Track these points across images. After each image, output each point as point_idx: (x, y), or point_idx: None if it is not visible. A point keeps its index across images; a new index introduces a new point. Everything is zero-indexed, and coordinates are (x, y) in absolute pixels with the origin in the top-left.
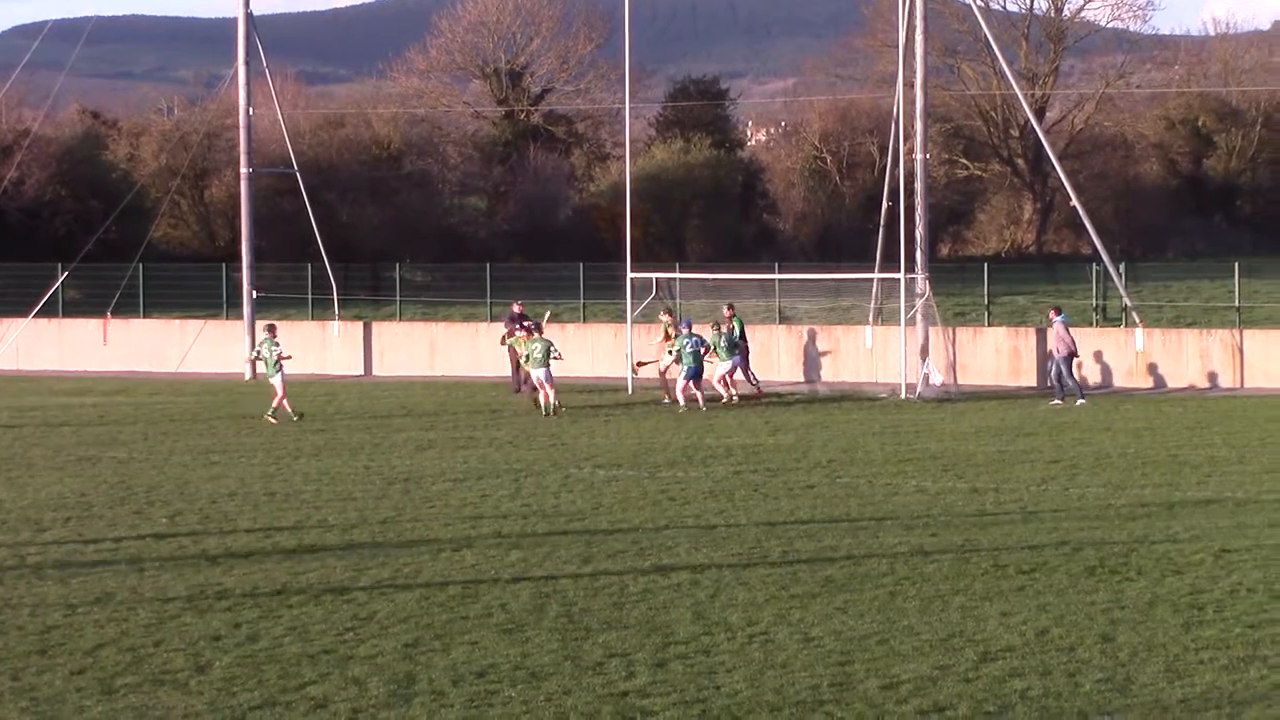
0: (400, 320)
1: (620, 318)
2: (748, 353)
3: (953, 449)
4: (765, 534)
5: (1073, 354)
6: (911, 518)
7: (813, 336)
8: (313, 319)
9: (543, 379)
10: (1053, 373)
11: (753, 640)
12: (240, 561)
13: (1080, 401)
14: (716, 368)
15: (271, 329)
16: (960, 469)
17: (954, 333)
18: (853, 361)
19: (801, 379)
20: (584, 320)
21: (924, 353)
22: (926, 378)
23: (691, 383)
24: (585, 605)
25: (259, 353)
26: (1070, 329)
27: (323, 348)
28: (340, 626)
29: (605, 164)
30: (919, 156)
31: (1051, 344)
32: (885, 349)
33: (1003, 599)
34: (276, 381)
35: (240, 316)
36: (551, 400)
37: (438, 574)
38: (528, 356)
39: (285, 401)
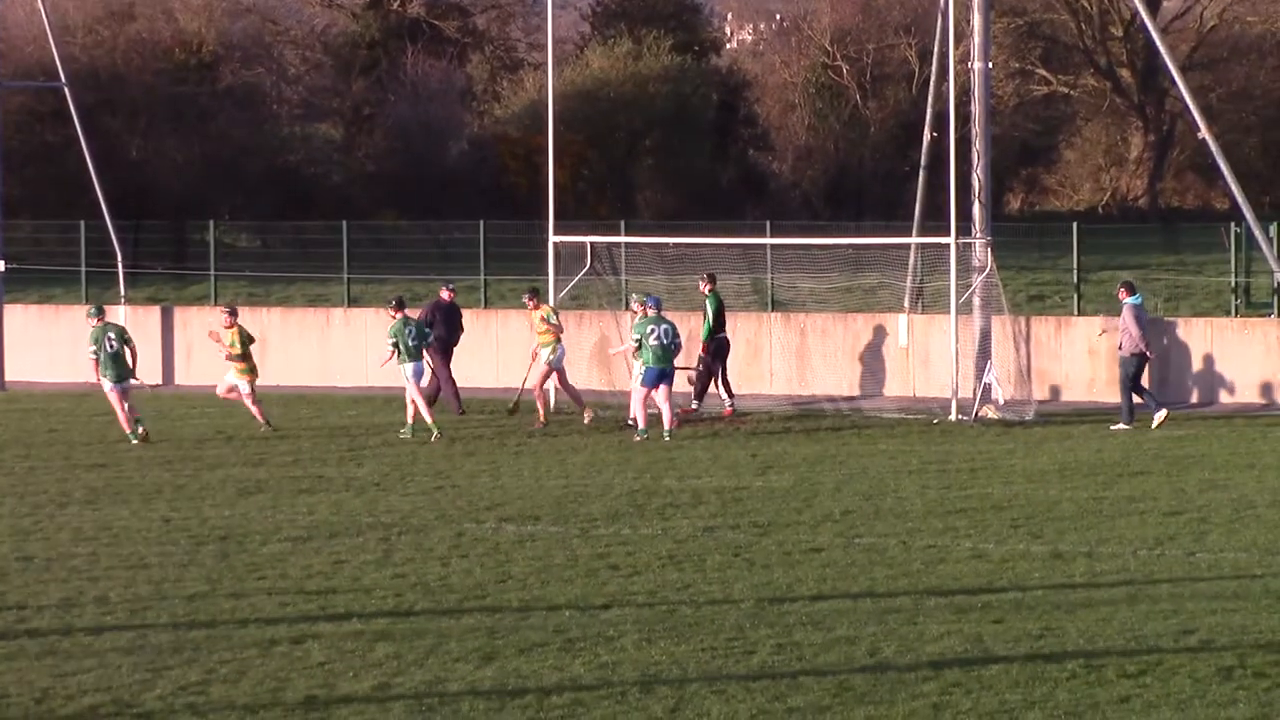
0: (215, 304)
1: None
2: (727, 349)
3: (1025, 495)
4: (751, 619)
5: (1143, 355)
6: (965, 595)
7: (820, 330)
8: (87, 301)
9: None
10: (1123, 380)
11: None
12: None
13: (1123, 426)
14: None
15: (101, 313)
16: (1036, 524)
17: (1028, 324)
18: (880, 366)
19: (802, 393)
20: (485, 304)
21: (984, 354)
22: (987, 390)
23: (653, 391)
24: None
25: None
26: (1145, 318)
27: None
28: None
29: (518, 76)
30: (977, 65)
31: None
32: (927, 348)
33: (1098, 715)
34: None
35: None
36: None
37: (270, 676)
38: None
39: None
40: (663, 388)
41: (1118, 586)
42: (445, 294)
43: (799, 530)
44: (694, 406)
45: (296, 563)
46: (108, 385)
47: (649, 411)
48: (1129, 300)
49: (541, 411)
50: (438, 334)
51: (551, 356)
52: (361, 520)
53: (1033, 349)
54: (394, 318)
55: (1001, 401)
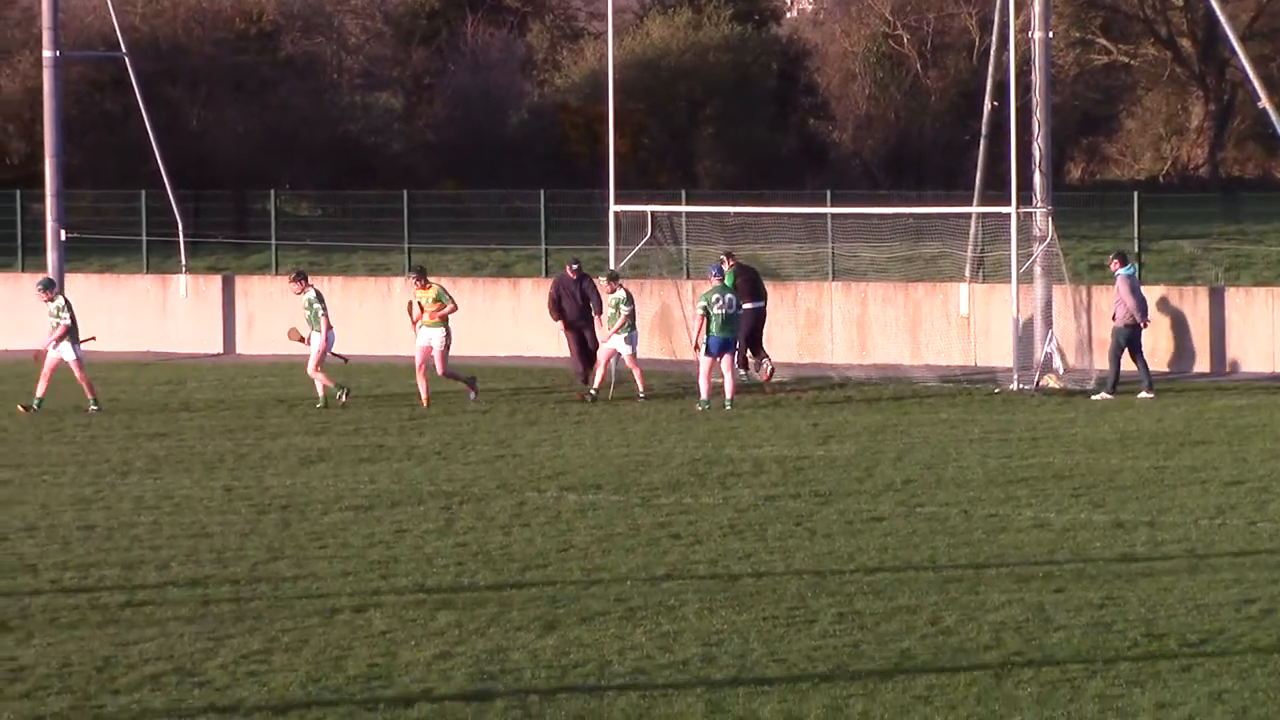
0: (277, 274)
1: (599, 270)
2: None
3: (1087, 464)
4: (812, 588)
5: (1137, 326)
6: (1027, 565)
7: (881, 299)
8: (148, 271)
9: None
10: (1112, 350)
11: None
12: (44, 627)
13: (1106, 395)
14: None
15: (50, 285)
16: (1098, 494)
17: (1089, 294)
18: (941, 335)
19: (862, 360)
20: (546, 273)
21: (1045, 323)
22: (1049, 359)
23: (717, 360)
24: (548, 692)
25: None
26: (1139, 288)
27: (163, 314)
28: None
29: (578, 45)
30: (1037, 35)
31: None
32: (988, 317)
33: (1159, 684)
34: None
35: (44, 267)
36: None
37: (332, 645)
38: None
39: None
40: (726, 356)
41: (1179, 556)
42: (569, 270)
43: (860, 499)
44: (767, 372)
45: (358, 531)
46: (71, 355)
47: (713, 381)
48: (1122, 271)
49: (425, 394)
50: (565, 309)
51: (441, 339)
52: (423, 489)
53: (1094, 318)
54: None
55: (1062, 371)
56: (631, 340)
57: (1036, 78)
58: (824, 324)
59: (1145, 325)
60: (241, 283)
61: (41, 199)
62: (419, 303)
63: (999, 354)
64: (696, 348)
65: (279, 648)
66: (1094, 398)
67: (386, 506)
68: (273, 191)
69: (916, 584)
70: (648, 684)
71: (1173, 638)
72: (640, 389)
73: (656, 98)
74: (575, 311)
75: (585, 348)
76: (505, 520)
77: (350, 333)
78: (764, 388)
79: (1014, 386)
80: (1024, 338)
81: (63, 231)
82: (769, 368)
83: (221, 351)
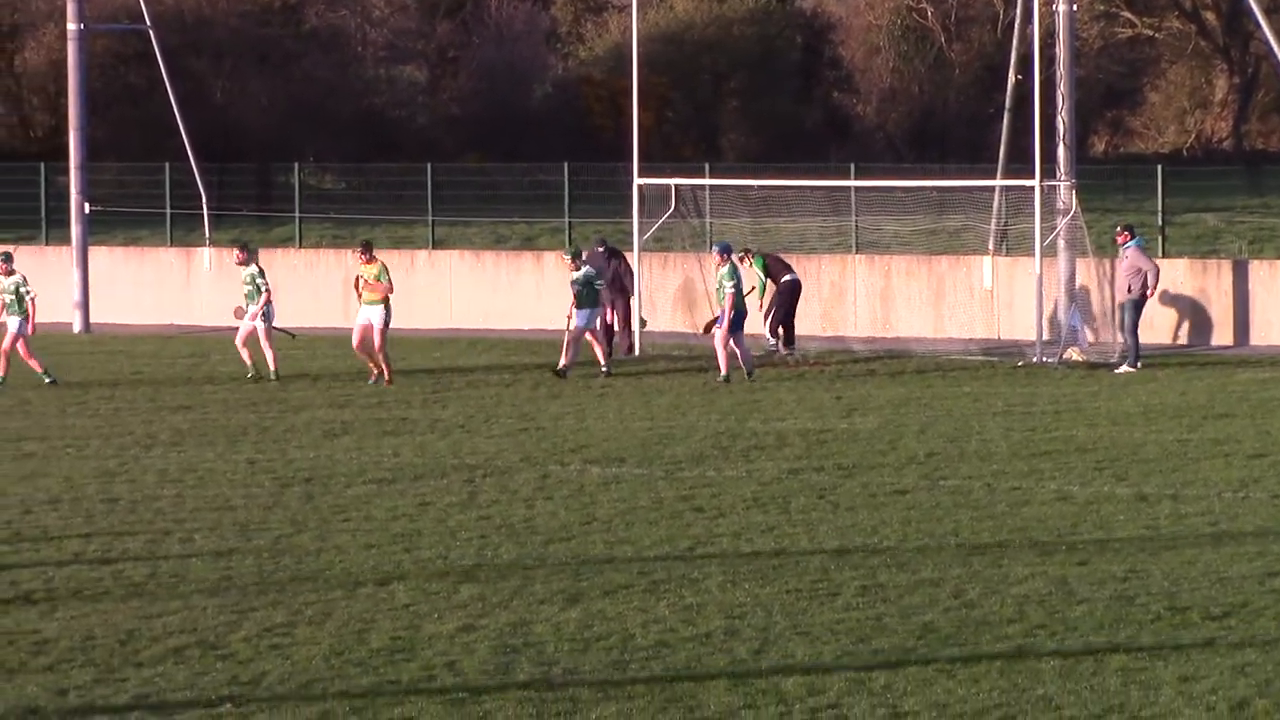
0: (301, 247)
1: (623, 243)
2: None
3: (1110, 437)
4: (835, 562)
5: (1144, 297)
6: (1050, 538)
7: (904, 272)
8: (172, 244)
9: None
10: (1128, 324)
11: (817, 716)
12: (68, 600)
13: (1130, 369)
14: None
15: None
16: (1121, 467)
17: (1113, 267)
18: (965, 309)
19: (884, 334)
20: (569, 247)
21: (1069, 296)
22: (1073, 332)
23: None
24: (572, 665)
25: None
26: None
27: (187, 287)
28: (212, 695)
29: (602, 18)
30: (1061, 8)
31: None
32: (1011, 290)
33: (1183, 657)
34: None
35: (68, 239)
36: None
37: (355, 618)
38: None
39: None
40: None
41: (1202, 529)
42: (597, 248)
43: (883, 472)
44: (790, 352)
45: (381, 505)
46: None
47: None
48: (1134, 243)
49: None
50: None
51: (380, 316)
52: (446, 462)
53: (1117, 291)
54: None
55: (1086, 344)
56: (590, 316)
57: (1060, 51)
58: (847, 297)
59: (1151, 295)
60: (265, 256)
61: (66, 172)
62: (363, 277)
63: (1022, 327)
64: (710, 329)
65: (302, 621)
66: (1117, 371)
67: (410, 480)
68: (297, 165)
69: (940, 557)
70: (671, 657)
71: (1196, 611)
72: (602, 363)
73: (681, 71)
74: (610, 280)
75: (610, 326)
76: (528, 493)
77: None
78: (788, 362)
79: (1037, 360)
80: (1047, 311)
81: (87, 204)
82: (793, 352)
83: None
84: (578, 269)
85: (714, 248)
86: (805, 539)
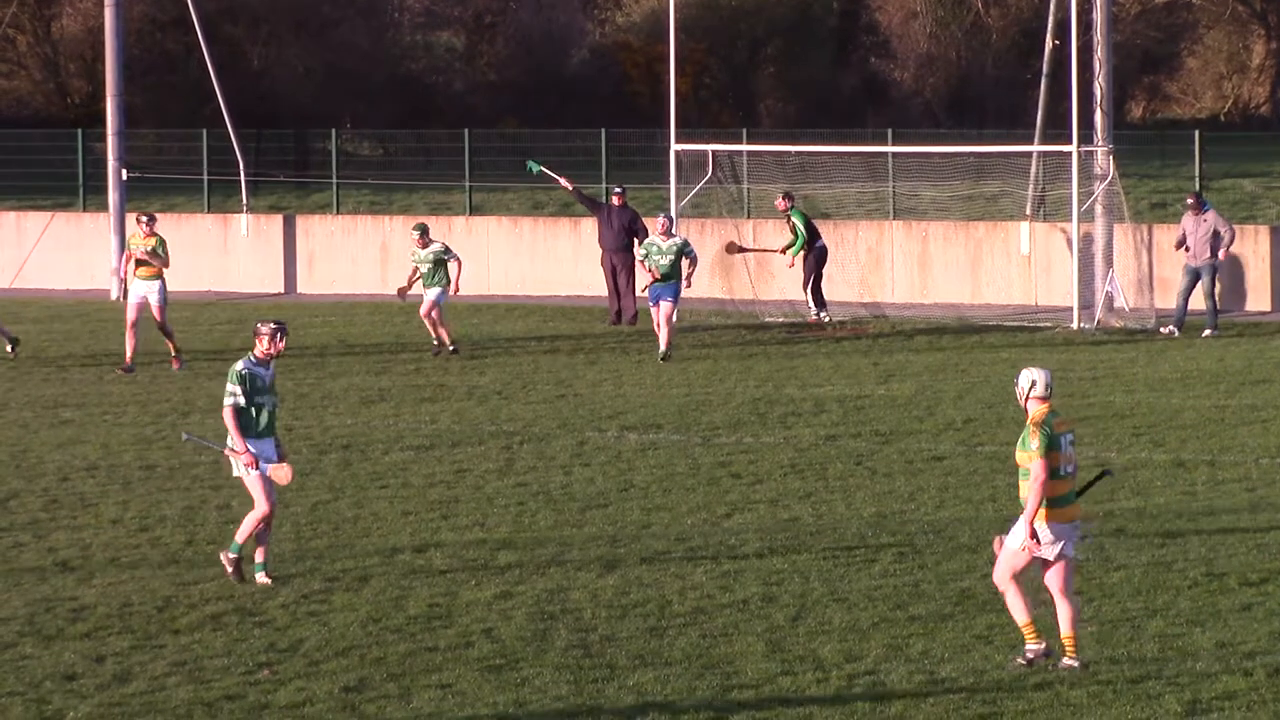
0: (338, 213)
1: (660, 209)
2: (825, 257)
3: (1147, 403)
4: (873, 527)
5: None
6: (1087, 504)
7: (941, 237)
8: (210, 211)
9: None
10: (1206, 289)
11: (854, 683)
12: (105, 567)
13: (1173, 330)
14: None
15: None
16: (1158, 433)
17: (1150, 232)
18: (1002, 275)
19: (922, 300)
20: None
21: (1106, 262)
22: (1109, 298)
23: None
24: (609, 631)
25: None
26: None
27: (224, 253)
28: (250, 661)
29: None
30: None
31: (1196, 249)
32: (1049, 256)
33: (1220, 623)
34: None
35: (105, 206)
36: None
37: (393, 586)
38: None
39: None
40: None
41: (1240, 495)
42: (615, 197)
43: (921, 439)
44: (821, 317)
45: (419, 471)
46: (435, 298)
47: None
48: (1208, 207)
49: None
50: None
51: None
52: (484, 429)
53: (1155, 257)
54: None
55: (1125, 309)
56: (442, 296)
57: (1098, 16)
58: (885, 263)
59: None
60: (302, 222)
61: (103, 138)
62: (133, 253)
63: (1060, 293)
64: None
65: (339, 587)
66: (1166, 329)
67: (447, 446)
68: (334, 131)
69: (977, 523)
70: (708, 623)
71: (1233, 576)
72: (448, 343)
73: (717, 37)
74: (613, 241)
75: (616, 283)
76: (566, 460)
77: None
78: (825, 326)
79: (1074, 325)
80: (1085, 277)
81: (124, 171)
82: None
83: (282, 291)
84: (425, 245)
85: (661, 217)
86: (843, 505)
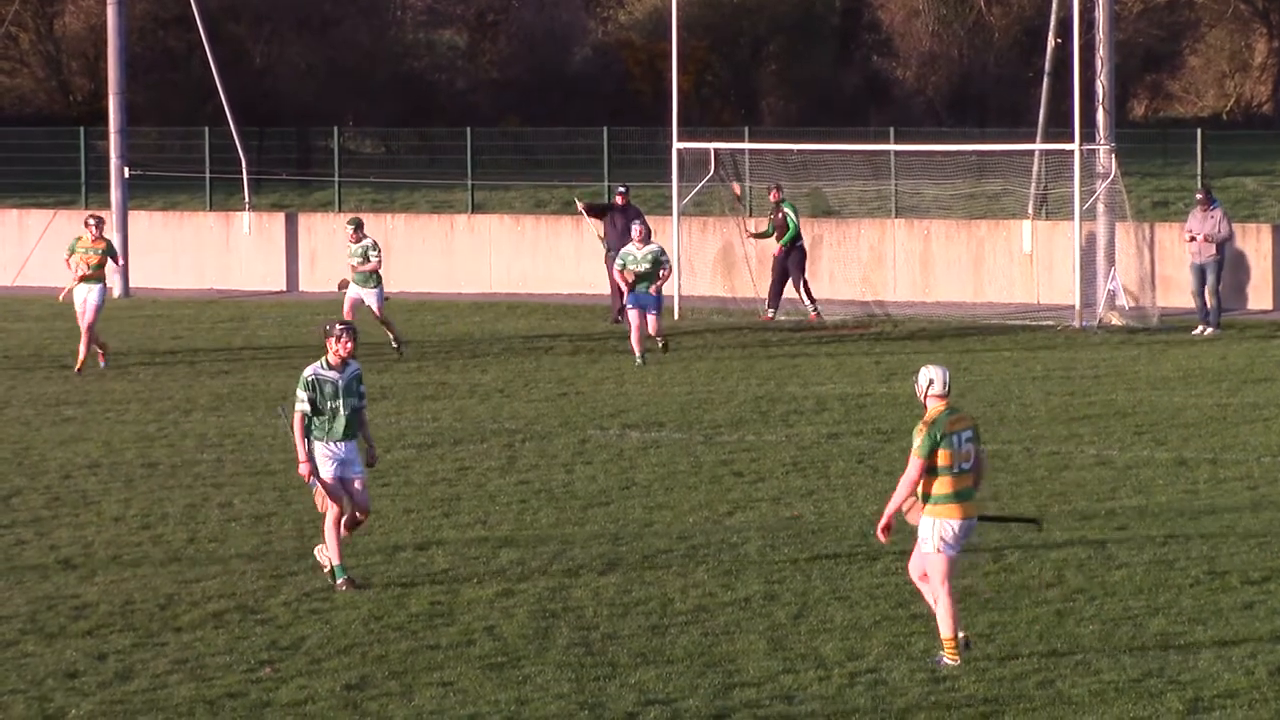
0: (340, 211)
1: (662, 207)
2: (805, 257)
3: (1149, 401)
4: (874, 526)
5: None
6: (1089, 502)
7: (943, 236)
8: (212, 209)
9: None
10: (1211, 286)
11: (855, 681)
12: (107, 565)
13: (1202, 329)
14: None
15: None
16: (1160, 431)
17: (1152, 231)
18: (1004, 273)
19: (924, 299)
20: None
21: (1108, 260)
22: (1112, 296)
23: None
24: (610, 629)
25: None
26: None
27: (226, 251)
28: (251, 659)
29: None
30: None
31: (1199, 246)
32: (1050, 254)
33: (1222, 621)
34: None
35: (107, 204)
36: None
37: (394, 583)
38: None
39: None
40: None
41: (1242, 494)
42: (618, 197)
43: None
44: (770, 315)
45: (421, 469)
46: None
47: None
48: (1216, 204)
49: (82, 355)
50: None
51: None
52: (486, 426)
53: (1157, 255)
54: None
55: (1125, 308)
56: (379, 295)
57: (1100, 14)
58: (887, 261)
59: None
60: (305, 220)
61: (105, 136)
62: (82, 255)
63: (1061, 291)
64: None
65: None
66: (1206, 333)
67: (449, 444)
68: (336, 129)
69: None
70: (710, 621)
71: (1235, 575)
72: (393, 341)
73: (720, 35)
74: (617, 241)
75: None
76: (568, 458)
77: (413, 270)
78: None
79: (1076, 324)
80: (1087, 275)
81: (126, 169)
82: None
83: (285, 289)
84: (358, 240)
85: (636, 225)
86: (844, 503)
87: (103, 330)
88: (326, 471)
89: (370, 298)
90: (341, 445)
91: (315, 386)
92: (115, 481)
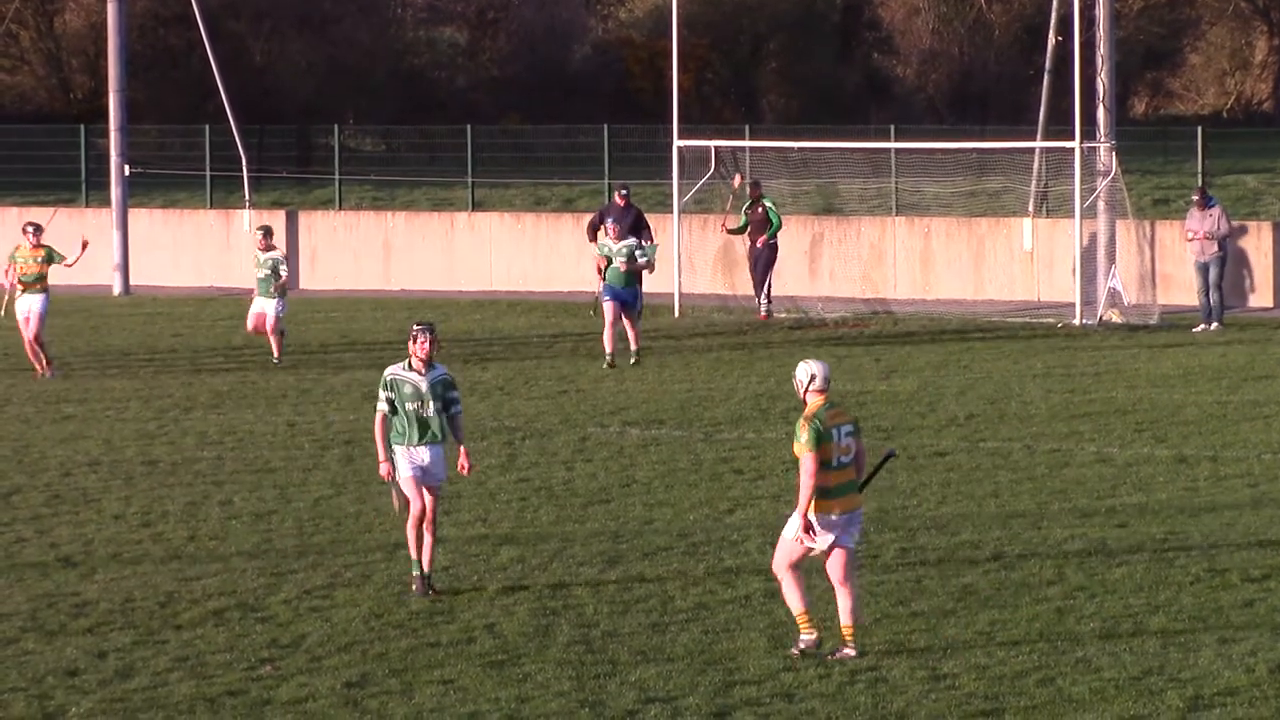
0: (340, 209)
1: (663, 205)
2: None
3: (1150, 399)
4: (875, 524)
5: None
6: (1089, 500)
7: (944, 234)
8: (212, 206)
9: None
10: (1214, 281)
11: (856, 679)
12: (107, 563)
13: (1204, 326)
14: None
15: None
16: (1161, 429)
17: (1153, 228)
18: (1005, 271)
19: (924, 296)
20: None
21: (1109, 258)
22: (1112, 294)
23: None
24: (610, 627)
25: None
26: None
27: (227, 248)
28: (252, 657)
29: None
30: None
31: (1200, 245)
32: (1051, 252)
33: (1221, 619)
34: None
35: (107, 202)
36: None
37: (394, 581)
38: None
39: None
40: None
41: (1242, 491)
42: (618, 197)
43: (923, 434)
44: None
45: None
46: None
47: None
48: (1214, 202)
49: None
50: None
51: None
52: (486, 424)
53: (1157, 253)
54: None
55: (1126, 305)
56: (282, 306)
57: (1100, 12)
58: (887, 259)
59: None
60: (305, 218)
61: (105, 134)
62: (19, 263)
63: (1062, 289)
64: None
65: (341, 583)
66: (1211, 329)
67: (449, 442)
68: (336, 126)
69: (979, 519)
70: (710, 619)
71: (1235, 573)
72: (276, 355)
73: (720, 32)
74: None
75: None
76: (568, 455)
77: (414, 268)
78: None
79: (1077, 321)
80: (1088, 273)
81: (127, 166)
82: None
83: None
84: (267, 249)
85: (609, 221)
86: None
87: (114, 327)
88: (404, 473)
89: (271, 308)
90: (423, 450)
91: (394, 387)
92: (115, 479)
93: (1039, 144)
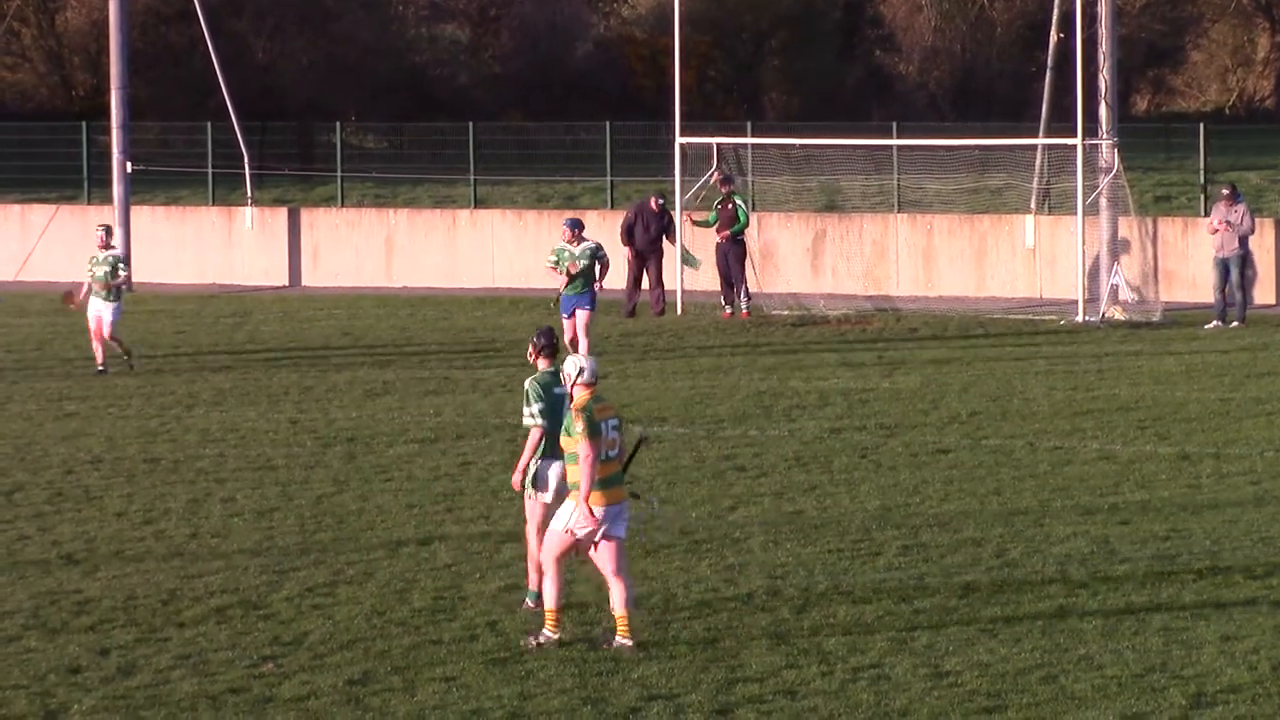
0: (342, 206)
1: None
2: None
3: (1152, 396)
4: (877, 521)
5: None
6: (1092, 497)
7: (946, 231)
8: (214, 204)
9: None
10: (1235, 281)
11: (858, 677)
12: (109, 560)
13: (1218, 324)
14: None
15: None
16: (1163, 426)
17: (1154, 226)
18: (1007, 268)
19: (927, 293)
20: (611, 205)
21: (1110, 255)
22: (1114, 291)
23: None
24: (612, 624)
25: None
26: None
27: (228, 246)
28: (254, 654)
29: None
30: None
31: (1221, 241)
32: (1053, 249)
33: (1224, 617)
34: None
35: (109, 199)
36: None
37: (397, 578)
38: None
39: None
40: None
41: (1245, 488)
42: (653, 203)
43: (925, 432)
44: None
45: (423, 464)
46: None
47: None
48: (1241, 199)
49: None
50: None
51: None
52: (488, 422)
53: (1159, 250)
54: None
55: (1129, 302)
56: (118, 311)
57: (1102, 9)
58: (889, 256)
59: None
60: (307, 215)
61: (107, 131)
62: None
63: (1064, 286)
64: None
65: (344, 580)
66: (1233, 325)
67: (451, 439)
68: (338, 124)
69: (981, 516)
70: (712, 616)
71: (1238, 570)
72: (121, 357)
73: (722, 29)
74: (645, 241)
75: (639, 281)
76: None
77: (416, 265)
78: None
79: (1079, 319)
80: (1090, 270)
81: (128, 164)
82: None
83: (287, 284)
84: (106, 248)
85: (566, 224)
86: (847, 498)
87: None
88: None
89: (108, 312)
90: (546, 462)
91: (541, 396)
92: (118, 477)
93: (1041, 141)
